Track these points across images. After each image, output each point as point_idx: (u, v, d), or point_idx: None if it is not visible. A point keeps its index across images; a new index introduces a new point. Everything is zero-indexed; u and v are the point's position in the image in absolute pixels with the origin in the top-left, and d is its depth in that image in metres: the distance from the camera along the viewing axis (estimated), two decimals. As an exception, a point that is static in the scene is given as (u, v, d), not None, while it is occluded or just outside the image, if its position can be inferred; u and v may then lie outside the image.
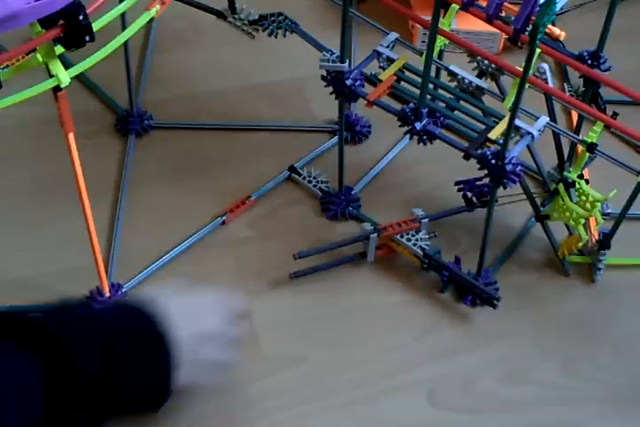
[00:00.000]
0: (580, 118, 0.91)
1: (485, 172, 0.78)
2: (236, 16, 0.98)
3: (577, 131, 0.93)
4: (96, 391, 0.66)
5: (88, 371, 0.66)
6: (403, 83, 0.84)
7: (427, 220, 0.89)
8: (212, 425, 0.81)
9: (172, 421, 0.79)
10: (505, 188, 0.78)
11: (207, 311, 0.76)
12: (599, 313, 0.90)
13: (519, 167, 0.77)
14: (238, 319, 0.78)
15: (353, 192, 0.97)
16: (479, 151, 0.78)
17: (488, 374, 0.85)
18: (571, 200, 0.85)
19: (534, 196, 0.91)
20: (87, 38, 0.66)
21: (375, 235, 0.89)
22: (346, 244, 0.89)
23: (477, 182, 0.89)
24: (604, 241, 0.88)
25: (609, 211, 0.93)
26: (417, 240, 0.89)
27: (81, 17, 0.65)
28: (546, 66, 0.81)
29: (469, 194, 0.90)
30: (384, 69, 0.84)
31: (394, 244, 0.90)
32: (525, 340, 0.87)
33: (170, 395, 0.72)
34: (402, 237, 0.89)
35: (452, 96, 0.84)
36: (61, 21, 0.65)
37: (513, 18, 0.73)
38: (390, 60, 0.84)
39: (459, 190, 0.90)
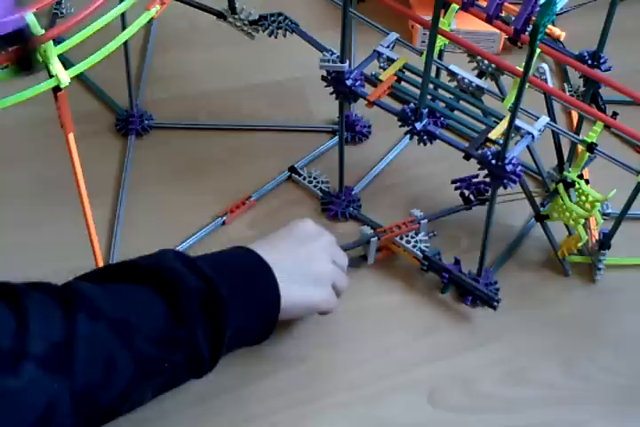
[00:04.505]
0: (580, 118, 0.92)
1: (485, 170, 0.78)
2: (236, 16, 0.98)
3: (577, 131, 0.93)
4: (210, 307, 0.70)
5: (199, 287, 0.70)
6: (403, 83, 0.84)
7: (425, 220, 0.89)
8: (213, 425, 0.80)
9: (173, 421, 0.79)
10: (505, 188, 0.78)
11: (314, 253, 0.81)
12: (599, 313, 0.90)
13: (519, 167, 0.77)
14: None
15: (353, 192, 0.97)
16: (479, 151, 0.78)
17: (488, 374, 0.85)
18: (570, 200, 0.85)
19: (534, 195, 0.91)
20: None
21: (376, 238, 0.89)
22: (347, 249, 0.89)
23: (474, 180, 0.89)
24: (604, 241, 0.88)
25: (609, 211, 0.93)
26: (417, 242, 0.89)
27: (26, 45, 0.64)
28: (545, 66, 0.81)
29: (467, 192, 0.90)
30: (384, 69, 0.84)
31: (393, 246, 0.90)
32: (525, 340, 0.87)
33: (276, 325, 0.77)
34: (401, 238, 0.89)
35: (451, 96, 0.84)
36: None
37: (513, 18, 0.73)
38: (390, 60, 0.84)
39: (456, 189, 0.90)
